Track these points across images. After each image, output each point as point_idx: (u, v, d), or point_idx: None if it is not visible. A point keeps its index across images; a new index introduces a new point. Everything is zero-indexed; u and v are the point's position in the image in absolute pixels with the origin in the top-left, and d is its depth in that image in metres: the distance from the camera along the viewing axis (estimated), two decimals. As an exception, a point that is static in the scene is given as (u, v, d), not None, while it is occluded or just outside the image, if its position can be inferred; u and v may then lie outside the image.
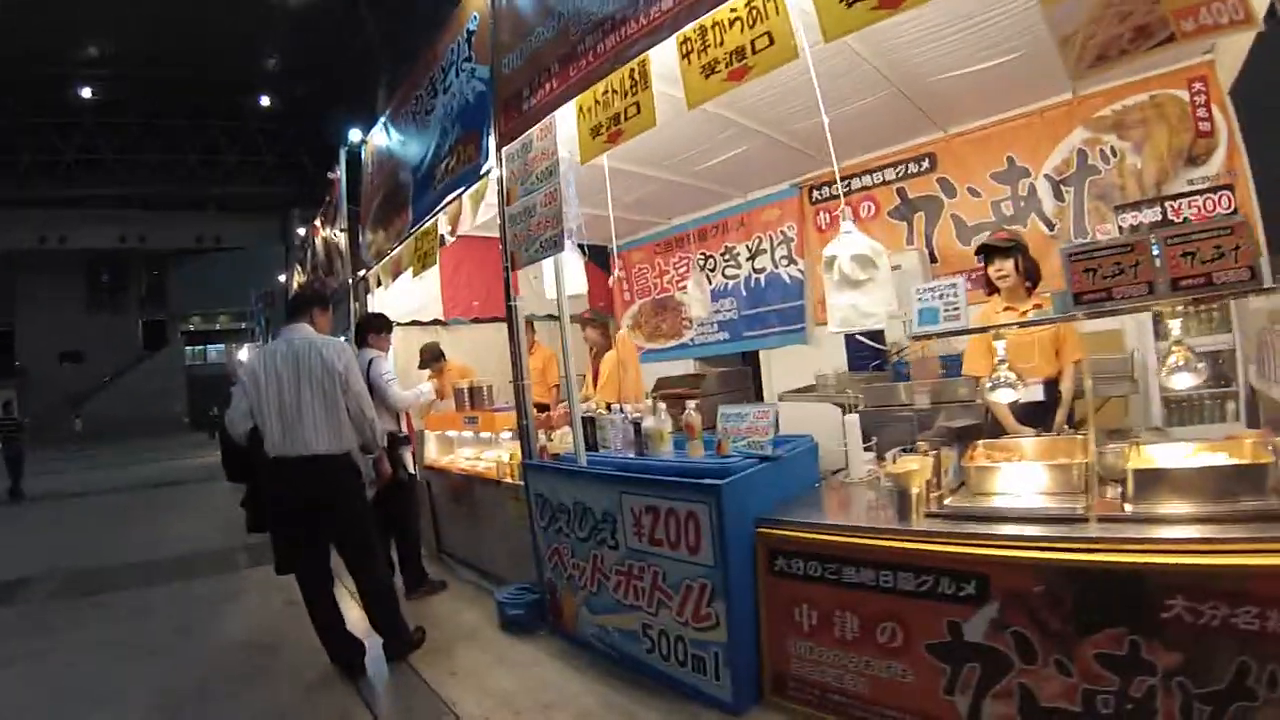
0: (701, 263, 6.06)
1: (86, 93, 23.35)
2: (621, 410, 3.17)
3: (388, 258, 5.27)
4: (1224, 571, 1.63)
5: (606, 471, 2.87)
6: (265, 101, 25.82)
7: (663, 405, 2.91)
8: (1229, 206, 3.30)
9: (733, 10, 2.33)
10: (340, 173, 6.22)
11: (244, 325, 29.07)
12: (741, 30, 2.32)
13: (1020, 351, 2.99)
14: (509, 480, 3.77)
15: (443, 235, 4.42)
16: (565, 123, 3.09)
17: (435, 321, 6.29)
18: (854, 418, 2.80)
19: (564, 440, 3.59)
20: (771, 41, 2.26)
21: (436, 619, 3.65)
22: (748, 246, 5.79)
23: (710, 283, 5.88)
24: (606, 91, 2.74)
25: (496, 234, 6.33)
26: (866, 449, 2.87)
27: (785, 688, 2.43)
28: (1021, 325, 2.63)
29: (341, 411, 3.05)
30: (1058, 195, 4.24)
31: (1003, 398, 2.53)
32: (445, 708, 2.73)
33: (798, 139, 4.54)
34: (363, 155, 5.91)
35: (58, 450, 19.27)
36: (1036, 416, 3.04)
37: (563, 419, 3.87)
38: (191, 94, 24.03)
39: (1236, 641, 1.60)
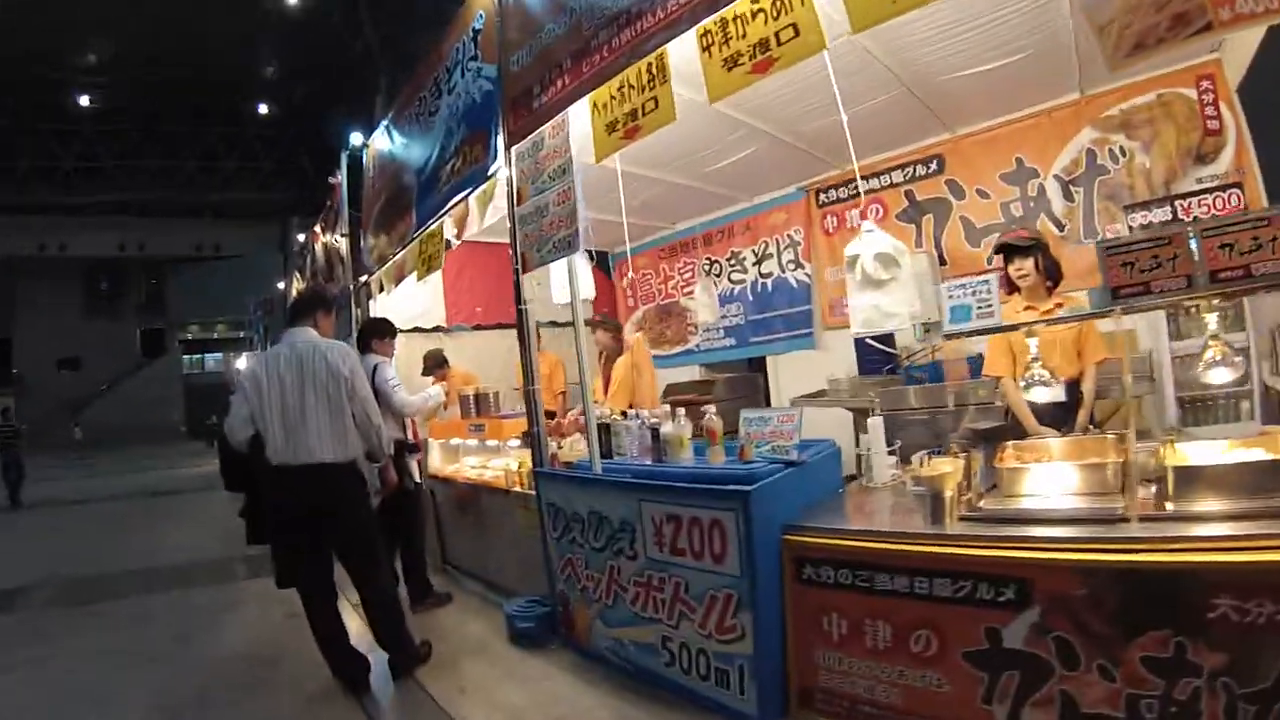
0: (707, 268, 5.96)
1: (85, 100, 23.21)
2: (637, 417, 3.03)
3: (390, 262, 5.14)
4: (1270, 568, 1.57)
5: (624, 479, 2.74)
6: (264, 109, 25.65)
7: (682, 410, 2.79)
8: (1238, 204, 3.25)
9: (755, 3, 2.24)
10: (341, 177, 6.08)
11: (242, 334, 28.91)
12: (765, 22, 2.24)
13: (1042, 351, 2.89)
14: (518, 489, 3.63)
15: (448, 239, 4.30)
16: (576, 121, 2.99)
17: (437, 328, 6.17)
18: (878, 420, 2.69)
19: (574, 448, 3.47)
20: (797, 33, 2.17)
21: (443, 632, 3.50)
22: (754, 251, 5.70)
23: (716, 288, 5.77)
24: (623, 87, 2.63)
25: (500, 239, 6.28)
26: (890, 453, 2.76)
27: (813, 700, 2.30)
28: (1050, 323, 2.53)
29: (347, 418, 2.91)
30: (1067, 195, 4.17)
31: (1038, 396, 2.44)
32: (455, 725, 2.59)
33: (805, 140, 4.47)
34: (364, 159, 5.79)
35: (56, 458, 19.10)
36: (1057, 417, 2.95)
37: (572, 426, 3.74)
38: (191, 99, 23.91)
39: (1281, 639, 1.53)
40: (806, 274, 5.35)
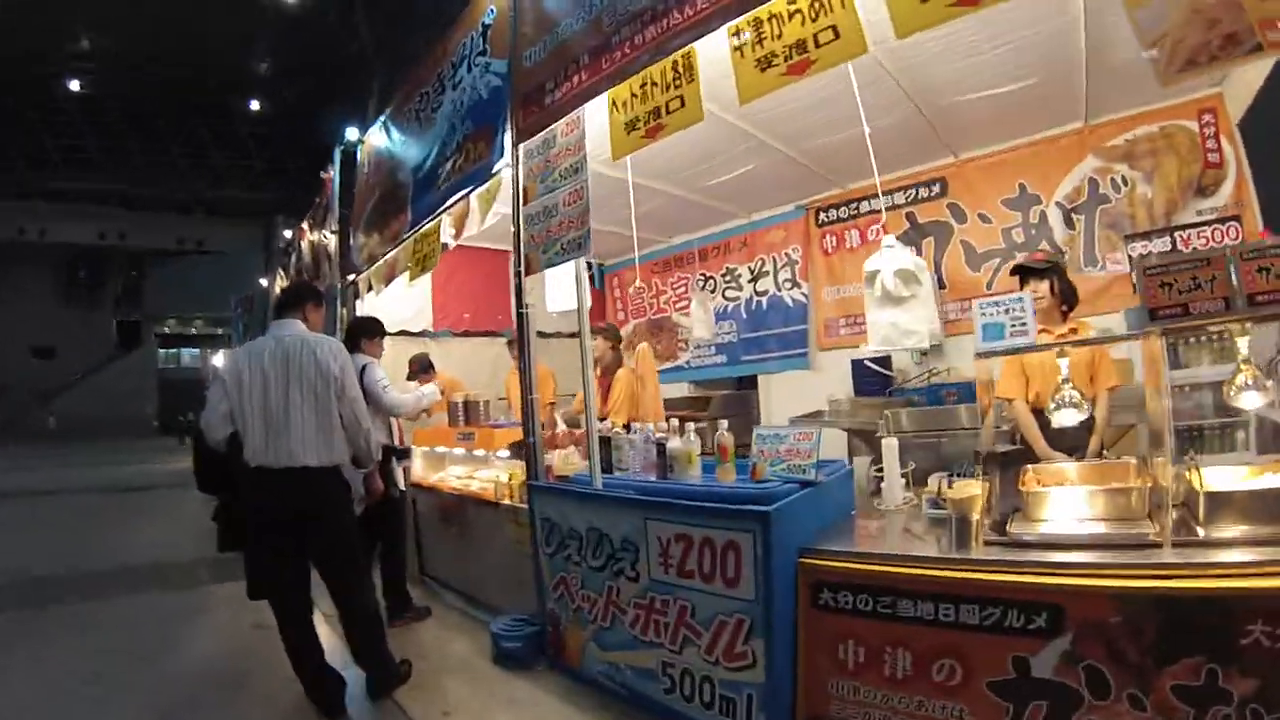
0: (701, 283, 5.82)
1: (74, 85, 22.56)
2: (641, 431, 2.84)
3: (381, 261, 4.92)
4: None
5: (628, 495, 2.55)
6: (257, 105, 25.14)
7: (691, 426, 2.61)
8: (1236, 237, 3.23)
9: (791, 3, 2.12)
10: (334, 172, 5.84)
11: (220, 331, 28.12)
12: (803, 23, 2.13)
13: (1051, 377, 2.82)
14: (508, 502, 3.41)
15: (445, 241, 4.10)
16: (587, 121, 2.84)
17: (424, 333, 5.94)
18: (893, 442, 2.55)
19: (567, 461, 3.27)
20: (837, 35, 2.07)
21: (422, 649, 3.24)
22: (750, 268, 5.59)
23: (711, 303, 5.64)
24: (645, 84, 2.49)
25: (493, 244, 6.11)
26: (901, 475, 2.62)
27: (823, 731, 2.13)
28: (1080, 344, 2.43)
29: (334, 419, 2.67)
30: (1068, 223, 4.14)
31: (1067, 419, 2.33)
32: (439, 753, 2.36)
33: (809, 156, 4.39)
34: (358, 155, 5.56)
35: (29, 447, 18.34)
36: (1067, 442, 2.85)
37: (567, 438, 3.54)
38: (183, 92, 23.34)
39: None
40: (803, 293, 5.25)
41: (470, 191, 3.66)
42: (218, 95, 23.79)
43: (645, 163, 3.73)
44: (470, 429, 4.05)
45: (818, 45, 2.10)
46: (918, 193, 4.63)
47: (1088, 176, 4.05)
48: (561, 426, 4.14)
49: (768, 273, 5.48)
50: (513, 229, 3.15)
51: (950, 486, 2.27)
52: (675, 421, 2.69)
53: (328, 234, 6.07)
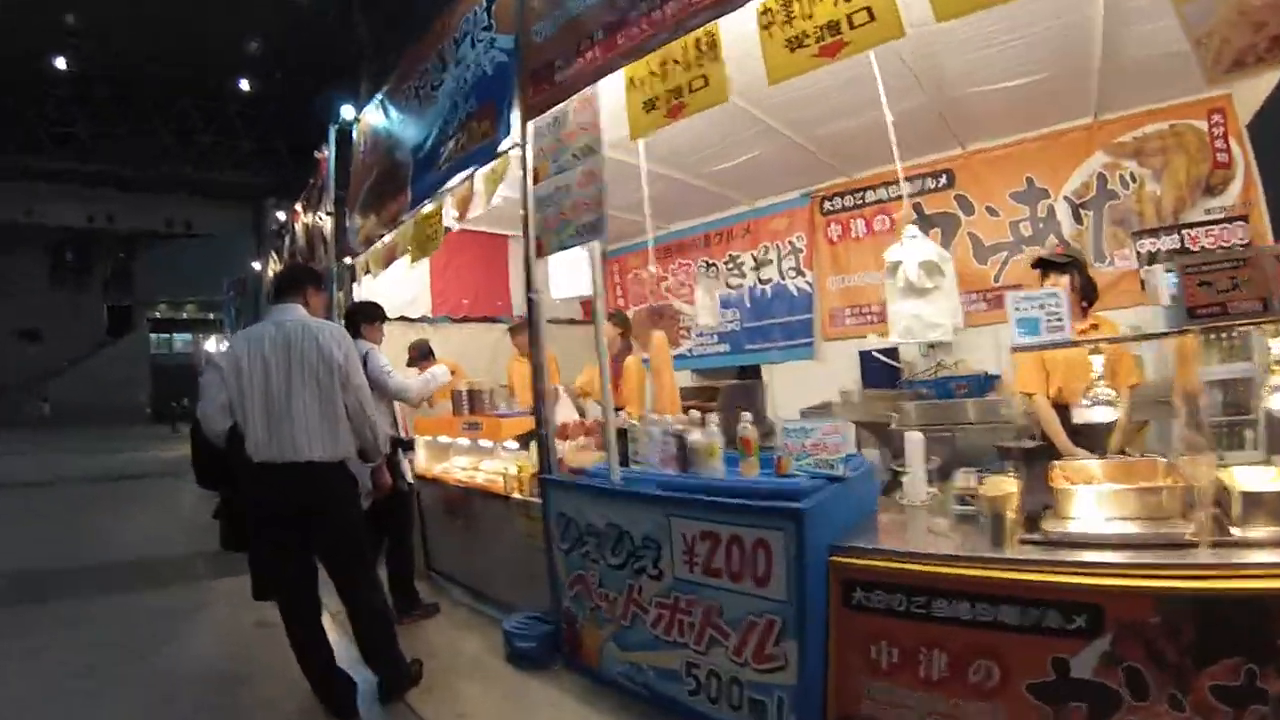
0: (704, 270, 5.68)
1: (61, 63, 21.60)
2: (658, 422, 2.70)
3: (379, 244, 4.71)
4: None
5: (649, 490, 2.42)
6: (246, 84, 24.27)
7: (714, 417, 2.48)
8: (1243, 237, 3.16)
9: (824, -17, 1.99)
10: (329, 152, 5.57)
11: (212, 316, 27.45)
12: (835, 3, 2.00)
13: (1074, 371, 2.75)
14: (518, 495, 3.26)
15: (448, 225, 3.92)
16: (601, 99, 2.67)
17: (423, 318, 5.75)
18: (918, 436, 2.44)
19: (577, 452, 3.13)
20: (872, 17, 1.95)
21: (433, 648, 3.09)
22: (753, 255, 5.46)
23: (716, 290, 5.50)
24: (665, 62, 2.33)
25: (493, 229, 5.89)
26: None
27: (856, 733, 2.05)
28: (1111, 341, 2.34)
29: (339, 409, 2.50)
30: (1077, 218, 4.06)
31: (1100, 416, 2.25)
32: (455, 757, 2.23)
33: (816, 143, 4.27)
34: (354, 135, 5.29)
35: (22, 433, 17.92)
36: (1085, 439, 2.78)
37: (578, 429, 3.39)
38: (170, 69, 22.39)
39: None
40: (808, 282, 5.14)
41: (474, 171, 3.48)
42: (206, 70, 22.94)
43: (648, 146, 3.57)
44: (476, 418, 3.88)
45: (852, 27, 1.99)
46: (925, 183, 4.52)
47: (1096, 172, 3.98)
48: (572, 414, 3.98)
49: (771, 260, 5.36)
50: (522, 211, 2.97)
51: (981, 483, 2.18)
52: (695, 413, 2.55)
53: (323, 216, 5.81)
